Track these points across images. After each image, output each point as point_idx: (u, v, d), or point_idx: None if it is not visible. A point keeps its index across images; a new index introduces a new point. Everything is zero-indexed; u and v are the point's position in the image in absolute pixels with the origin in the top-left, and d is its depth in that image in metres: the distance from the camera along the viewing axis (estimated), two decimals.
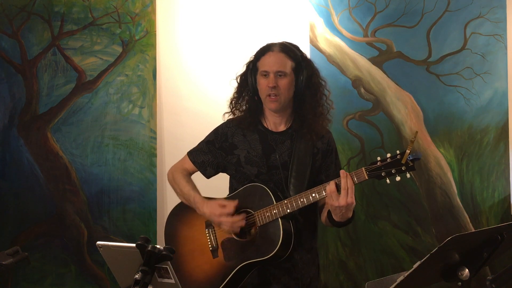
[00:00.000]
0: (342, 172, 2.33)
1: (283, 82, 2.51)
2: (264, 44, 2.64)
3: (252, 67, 2.59)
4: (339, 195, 2.31)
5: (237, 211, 2.52)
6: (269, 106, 2.55)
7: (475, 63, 3.65)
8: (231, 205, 2.49)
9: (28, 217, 3.78)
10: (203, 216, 2.59)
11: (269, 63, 2.52)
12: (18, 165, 3.79)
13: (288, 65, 2.52)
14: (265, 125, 2.62)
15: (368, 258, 3.69)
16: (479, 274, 1.96)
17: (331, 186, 2.33)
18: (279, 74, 2.51)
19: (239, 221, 2.48)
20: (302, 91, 2.55)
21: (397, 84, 3.70)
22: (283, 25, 3.75)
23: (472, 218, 3.64)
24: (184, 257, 2.61)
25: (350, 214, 2.38)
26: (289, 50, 2.55)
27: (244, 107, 2.63)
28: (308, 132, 2.56)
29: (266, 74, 2.52)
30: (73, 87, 3.80)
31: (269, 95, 2.51)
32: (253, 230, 2.50)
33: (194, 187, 2.67)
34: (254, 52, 2.63)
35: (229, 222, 2.48)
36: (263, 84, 2.53)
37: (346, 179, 2.31)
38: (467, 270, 1.90)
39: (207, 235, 2.60)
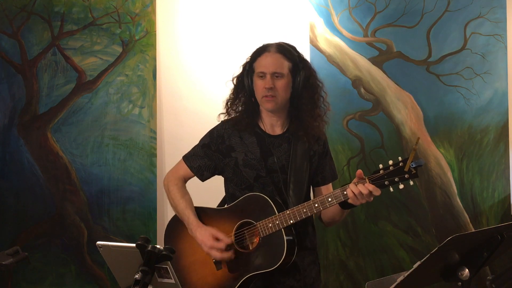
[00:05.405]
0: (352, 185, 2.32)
1: (280, 83, 2.49)
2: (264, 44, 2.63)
3: (249, 68, 2.57)
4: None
5: (238, 222, 2.50)
6: (265, 106, 2.53)
7: (475, 63, 3.65)
8: (225, 241, 2.46)
9: (28, 217, 3.78)
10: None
11: (266, 64, 2.50)
12: (18, 165, 3.79)
13: (285, 66, 2.51)
14: (262, 127, 2.59)
15: (368, 258, 3.69)
16: (479, 274, 1.96)
17: (350, 191, 2.31)
18: (276, 75, 2.49)
19: (228, 257, 2.47)
20: (300, 92, 2.53)
21: (397, 84, 3.70)
22: (283, 25, 3.75)
23: (472, 218, 3.64)
24: (187, 269, 2.57)
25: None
26: (285, 50, 2.54)
27: (240, 108, 2.59)
28: (305, 135, 2.55)
29: (262, 75, 2.50)
30: (73, 87, 3.80)
31: (266, 96, 2.49)
32: (255, 241, 2.47)
33: (188, 203, 2.61)
34: (251, 53, 2.62)
35: (218, 256, 2.47)
36: (259, 85, 2.51)
37: (357, 188, 2.29)
38: (467, 270, 1.90)
39: None
